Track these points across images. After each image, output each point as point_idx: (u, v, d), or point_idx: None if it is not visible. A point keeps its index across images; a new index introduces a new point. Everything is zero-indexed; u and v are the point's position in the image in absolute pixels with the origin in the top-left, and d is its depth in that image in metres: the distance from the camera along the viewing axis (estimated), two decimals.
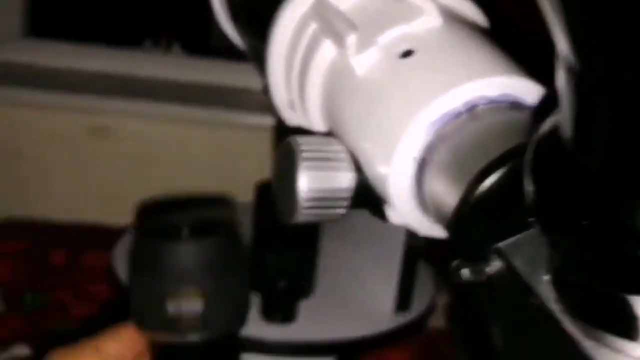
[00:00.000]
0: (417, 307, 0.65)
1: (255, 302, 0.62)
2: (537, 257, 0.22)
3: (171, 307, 0.34)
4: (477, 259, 0.24)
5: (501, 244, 0.23)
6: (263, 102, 1.13)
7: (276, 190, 0.33)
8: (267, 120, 0.96)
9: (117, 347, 0.35)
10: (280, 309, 0.60)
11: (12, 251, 0.82)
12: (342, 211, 0.32)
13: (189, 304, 0.35)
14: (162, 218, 0.37)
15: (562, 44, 0.17)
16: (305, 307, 0.62)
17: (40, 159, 0.96)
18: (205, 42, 1.27)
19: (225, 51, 1.30)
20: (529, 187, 0.20)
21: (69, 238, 0.86)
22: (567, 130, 0.18)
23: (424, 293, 0.68)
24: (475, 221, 0.25)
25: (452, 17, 0.32)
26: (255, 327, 0.60)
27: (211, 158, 0.97)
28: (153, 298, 0.35)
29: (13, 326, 0.67)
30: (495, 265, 0.23)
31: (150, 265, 0.35)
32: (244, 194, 0.77)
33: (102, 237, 0.79)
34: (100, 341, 0.36)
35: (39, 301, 0.71)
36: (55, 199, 0.97)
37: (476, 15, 0.34)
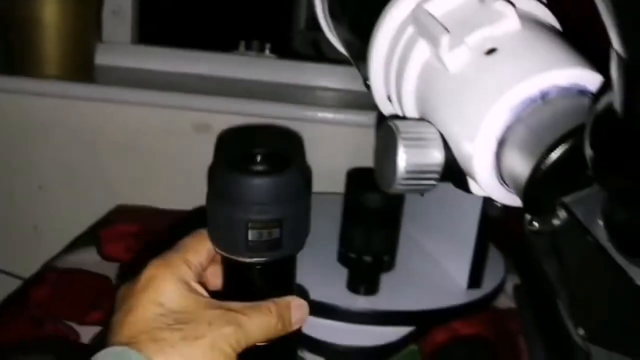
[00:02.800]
0: (488, 285, 0.71)
1: (342, 276, 0.69)
2: (594, 208, 0.28)
3: (252, 235, 0.38)
4: (545, 213, 0.30)
5: (565, 198, 0.29)
6: (345, 100, 1.20)
7: (377, 166, 0.40)
8: (349, 117, 1.03)
9: (198, 257, 0.40)
10: (365, 282, 0.67)
11: (125, 233, 0.92)
12: (432, 183, 0.38)
13: (268, 232, 0.39)
14: (241, 150, 0.40)
15: (615, 40, 0.23)
16: (387, 282, 0.69)
17: (149, 152, 1.07)
18: (288, 44, 1.38)
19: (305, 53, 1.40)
20: (587, 150, 0.26)
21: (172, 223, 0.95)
22: (618, 104, 0.24)
23: (494, 274, 0.73)
24: (546, 184, 0.31)
25: (528, 19, 0.38)
26: (342, 297, 0.67)
27: None
28: (234, 225, 0.39)
29: None
30: (561, 217, 0.29)
31: (233, 196, 0.38)
32: (331, 186, 0.84)
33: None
34: (186, 253, 0.40)
35: None
36: (162, 188, 1.07)
37: (548, 17, 0.40)
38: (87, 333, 0.70)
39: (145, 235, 0.92)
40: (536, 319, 0.50)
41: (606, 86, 0.25)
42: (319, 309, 0.66)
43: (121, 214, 1.00)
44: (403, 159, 0.37)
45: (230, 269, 0.41)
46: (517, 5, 0.38)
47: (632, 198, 0.24)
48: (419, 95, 0.40)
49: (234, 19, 1.28)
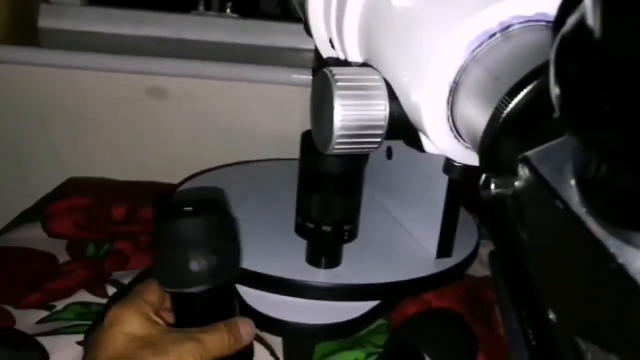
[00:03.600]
0: (459, 254, 0.65)
1: (302, 248, 0.63)
2: (565, 164, 0.22)
3: (193, 266, 0.45)
4: (506, 172, 0.24)
5: (528, 153, 0.23)
6: (310, 60, 1.12)
7: (314, 122, 0.34)
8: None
9: (153, 296, 0.46)
10: (326, 254, 0.61)
11: (75, 207, 0.86)
12: (377, 140, 0.32)
13: (206, 261, 0.46)
14: (174, 202, 0.48)
15: None
16: (349, 253, 0.63)
17: (101, 120, 1.00)
18: (254, 4, 1.30)
19: (272, 13, 1.32)
20: (554, 87, 0.20)
21: (128, 195, 0.89)
22: (592, 18, 0.18)
23: (467, 241, 0.68)
24: (506, 136, 0.25)
25: None
26: (301, 272, 0.61)
27: (260, 113, 0.99)
28: (177, 261, 0.46)
29: (77, 274, 0.70)
30: (523, 177, 0.23)
31: (174, 238, 0.46)
32: (295, 148, 0.78)
33: (159, 193, 0.82)
34: (142, 293, 0.46)
35: (101, 251, 0.74)
36: (116, 158, 1.00)
37: None
38: (23, 316, 0.64)
39: (97, 209, 0.85)
40: (510, 292, 0.44)
41: (573, 3, 0.19)
42: (277, 285, 0.61)
43: (72, 187, 0.94)
44: (339, 113, 0.30)
45: (179, 303, 0.47)
46: None
47: (611, 148, 0.18)
48: (362, 36, 0.34)
49: None
